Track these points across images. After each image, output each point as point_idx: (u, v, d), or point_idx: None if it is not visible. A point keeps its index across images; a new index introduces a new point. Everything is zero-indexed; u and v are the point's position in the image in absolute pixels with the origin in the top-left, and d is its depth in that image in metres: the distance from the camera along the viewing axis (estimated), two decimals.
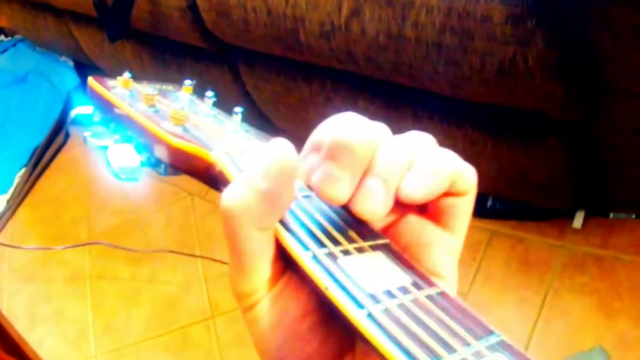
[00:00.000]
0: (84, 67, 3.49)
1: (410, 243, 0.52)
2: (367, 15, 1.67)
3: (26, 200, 3.31)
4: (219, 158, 0.57)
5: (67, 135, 3.40)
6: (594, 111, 1.63)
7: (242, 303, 0.50)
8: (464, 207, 0.52)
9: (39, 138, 3.34)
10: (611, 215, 2.00)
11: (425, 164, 0.49)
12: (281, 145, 0.47)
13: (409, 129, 1.53)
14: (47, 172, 3.36)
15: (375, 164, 0.48)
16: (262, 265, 0.48)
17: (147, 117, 0.67)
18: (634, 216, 1.97)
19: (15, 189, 3.29)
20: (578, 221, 2.01)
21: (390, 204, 0.48)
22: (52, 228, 3.13)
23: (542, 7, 1.44)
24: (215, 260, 2.52)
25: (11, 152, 3.31)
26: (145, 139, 0.67)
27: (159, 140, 0.64)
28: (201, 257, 2.60)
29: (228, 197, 0.47)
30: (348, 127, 0.48)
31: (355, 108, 1.96)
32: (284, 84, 2.19)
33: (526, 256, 2.00)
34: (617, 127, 1.68)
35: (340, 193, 0.47)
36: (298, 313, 0.48)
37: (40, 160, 3.35)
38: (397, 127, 1.58)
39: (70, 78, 3.52)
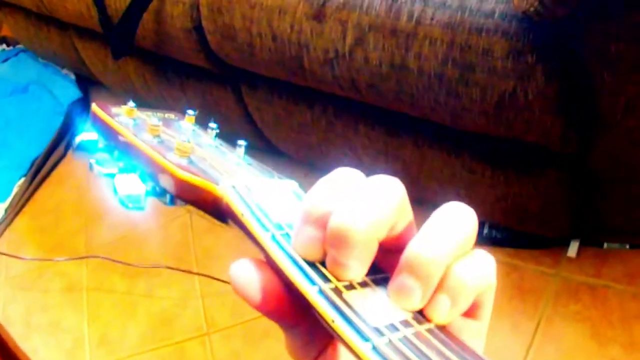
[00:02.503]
0: (86, 80, 3.49)
1: None
2: (371, 44, 1.69)
3: (24, 210, 3.31)
4: (226, 192, 0.58)
5: (67, 148, 3.40)
6: (590, 143, 1.64)
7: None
8: (489, 298, 0.52)
9: (39, 149, 3.34)
10: (605, 245, 2.01)
11: (459, 296, 0.49)
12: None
13: (408, 156, 1.55)
14: (46, 183, 3.35)
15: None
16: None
17: (152, 148, 0.67)
18: (627, 246, 1.99)
19: (13, 198, 3.29)
20: (573, 250, 2.02)
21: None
22: (49, 238, 3.12)
23: (542, 42, 1.46)
24: (213, 278, 2.52)
25: (10, 161, 3.31)
26: (150, 169, 0.67)
27: (165, 172, 0.64)
28: (198, 274, 2.60)
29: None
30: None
31: (356, 134, 1.99)
32: (286, 107, 2.20)
33: (521, 283, 2.01)
34: (612, 159, 1.70)
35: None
36: None
37: (40, 170, 3.34)
38: (397, 154, 1.60)
39: (71, 91, 3.51)
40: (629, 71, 1.46)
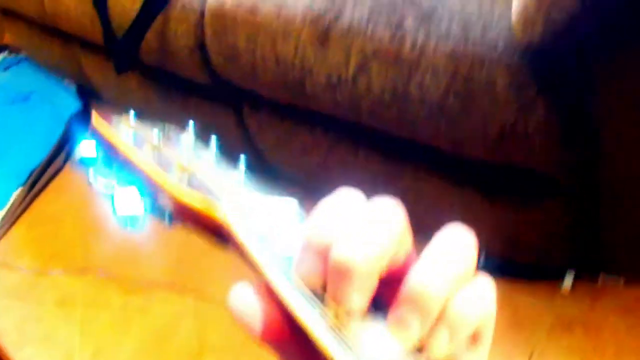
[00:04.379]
0: (87, 92, 3.49)
1: None
2: (374, 71, 1.70)
3: (21, 220, 3.29)
4: (227, 218, 0.57)
5: (66, 159, 3.39)
6: (591, 174, 1.65)
7: None
8: (489, 325, 0.51)
9: (38, 159, 3.33)
10: (600, 279, 2.01)
11: (459, 328, 0.48)
12: None
13: (407, 183, 1.55)
14: (44, 194, 3.33)
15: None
16: None
17: (152, 165, 0.67)
18: (622, 281, 1.99)
19: (10, 207, 3.28)
20: (567, 283, 2.03)
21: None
22: (46, 249, 3.11)
23: (544, 74, 1.47)
24: (208, 298, 2.52)
25: (8, 170, 3.29)
26: (149, 186, 0.67)
27: (164, 192, 0.64)
28: (194, 292, 2.59)
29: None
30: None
31: (355, 158, 1.99)
32: (287, 129, 2.20)
33: (514, 315, 2.01)
34: (613, 190, 1.70)
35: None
36: None
37: (38, 181, 3.33)
38: (396, 180, 1.60)
39: (72, 102, 3.50)
40: (631, 103, 1.46)
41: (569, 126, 1.53)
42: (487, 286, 0.49)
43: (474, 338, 0.51)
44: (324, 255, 0.48)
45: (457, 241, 0.49)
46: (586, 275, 2.04)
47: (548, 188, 1.72)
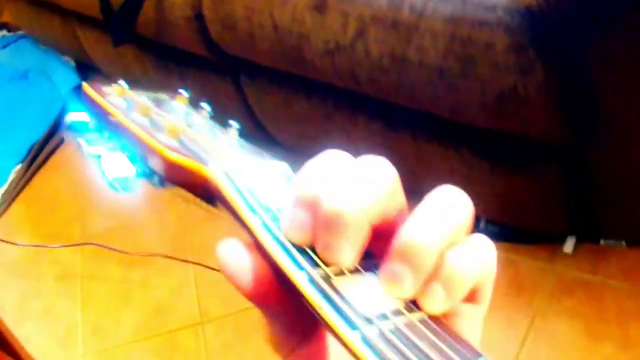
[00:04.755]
0: (86, 68, 3.49)
1: None
2: (372, 36, 1.69)
3: (20, 197, 3.30)
4: (215, 174, 0.57)
5: (65, 135, 3.39)
6: (589, 139, 1.65)
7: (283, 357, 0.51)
8: (488, 283, 0.51)
9: (37, 136, 3.33)
10: (602, 242, 2.02)
11: (455, 286, 0.47)
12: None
13: (406, 149, 1.55)
14: (43, 170, 3.34)
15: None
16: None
17: (142, 129, 0.67)
18: (624, 243, 1.99)
19: (10, 184, 3.29)
20: (569, 246, 2.03)
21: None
22: (45, 226, 3.12)
23: (544, 38, 1.46)
24: (208, 267, 2.52)
25: (8, 147, 3.30)
26: (140, 150, 0.67)
27: (154, 153, 0.64)
28: (194, 263, 2.60)
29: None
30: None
31: (354, 126, 1.99)
32: (285, 97, 2.20)
33: (516, 278, 2.01)
34: (611, 155, 1.70)
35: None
36: None
37: (37, 157, 3.34)
38: (395, 147, 1.60)
39: (71, 78, 3.51)
40: (629, 66, 1.46)
41: (568, 89, 1.53)
42: (484, 243, 0.49)
43: (472, 295, 0.51)
44: (313, 207, 0.48)
45: (450, 198, 0.49)
46: (587, 239, 2.04)
47: (547, 153, 1.73)
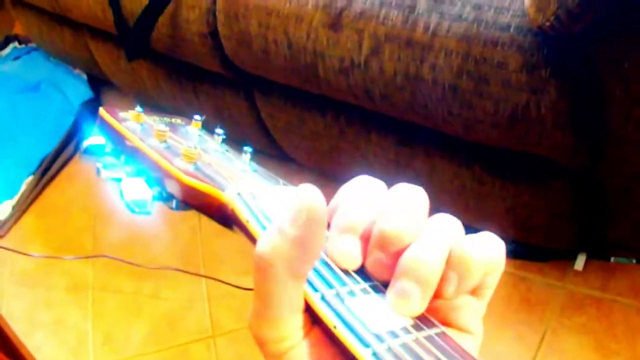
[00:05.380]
0: (98, 81, 3.50)
1: (441, 306, 0.54)
2: (387, 54, 1.70)
3: (32, 208, 3.31)
4: (232, 199, 0.59)
5: (76, 148, 3.41)
6: (600, 157, 1.66)
7: (266, 349, 0.51)
8: (494, 279, 0.55)
9: (49, 148, 3.34)
10: (612, 259, 2.02)
11: (466, 273, 0.51)
12: (309, 191, 0.49)
13: (419, 167, 1.57)
14: (55, 182, 3.35)
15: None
16: (294, 315, 0.50)
17: (159, 154, 0.69)
18: (634, 261, 2.00)
19: (21, 195, 3.30)
20: (579, 263, 2.04)
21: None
22: (56, 237, 3.13)
23: (557, 57, 1.48)
24: (220, 281, 2.53)
25: (19, 159, 3.31)
26: (157, 174, 0.69)
27: (171, 177, 0.66)
28: (205, 276, 2.61)
29: (261, 246, 0.48)
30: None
31: (367, 142, 2.00)
32: (298, 114, 2.21)
33: (527, 295, 2.02)
34: (621, 172, 1.71)
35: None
36: None
37: (49, 169, 3.35)
38: (408, 164, 1.61)
39: (83, 91, 3.52)
40: None
41: (580, 108, 1.54)
42: (493, 237, 0.54)
43: (477, 290, 0.55)
44: (364, 234, 0.52)
45: (447, 221, 0.53)
46: (598, 256, 2.05)
47: (559, 170, 1.73)
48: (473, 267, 0.51)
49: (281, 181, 0.67)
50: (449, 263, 0.50)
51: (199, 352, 2.49)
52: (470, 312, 0.55)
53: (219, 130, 0.78)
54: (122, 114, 0.79)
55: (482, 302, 0.56)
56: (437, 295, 0.51)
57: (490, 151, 1.79)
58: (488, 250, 0.53)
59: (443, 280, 0.50)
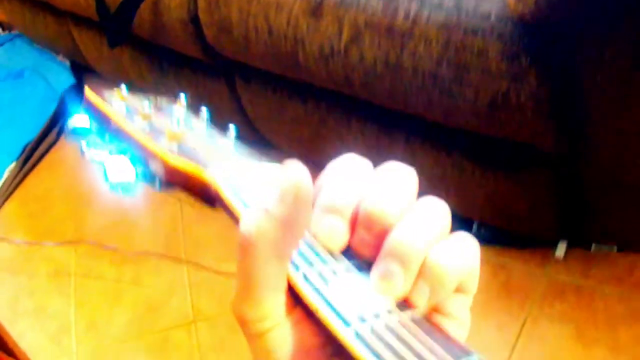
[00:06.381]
0: (80, 68, 3.49)
1: None
2: (367, 42, 1.70)
3: (14, 195, 3.30)
4: (214, 178, 0.59)
5: (59, 134, 3.39)
6: (579, 145, 1.66)
7: (248, 329, 0.50)
8: (474, 276, 0.53)
9: (31, 135, 3.33)
10: (593, 247, 2.03)
11: (439, 285, 0.50)
12: (295, 169, 0.48)
13: (400, 154, 1.57)
14: (37, 169, 3.34)
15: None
16: (277, 294, 0.49)
17: (143, 133, 0.69)
18: (615, 249, 2.00)
19: (3, 182, 3.29)
20: (560, 251, 2.04)
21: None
22: (38, 224, 3.12)
23: (537, 45, 1.48)
24: (201, 266, 2.53)
25: (2, 146, 3.29)
26: (141, 153, 0.68)
27: (155, 157, 0.66)
28: (187, 262, 2.61)
29: (246, 225, 0.48)
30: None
31: (348, 129, 2.00)
32: (279, 101, 2.21)
33: (508, 282, 2.02)
34: (602, 160, 1.72)
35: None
36: (318, 342, 0.49)
37: (31, 156, 3.33)
38: (389, 151, 1.61)
39: (66, 77, 3.50)
40: (621, 74, 1.47)
41: (560, 96, 1.54)
42: (465, 240, 0.51)
43: (459, 287, 0.52)
44: (347, 214, 0.51)
45: (433, 205, 0.51)
46: (579, 243, 2.05)
47: (539, 158, 1.74)
48: (446, 280, 0.49)
49: (264, 159, 0.67)
50: (421, 272, 0.49)
51: (180, 337, 2.48)
52: (455, 302, 0.54)
53: (203, 110, 0.78)
54: (107, 93, 0.78)
55: (467, 294, 0.55)
56: (408, 304, 0.50)
57: (470, 139, 1.79)
58: (463, 260, 0.51)
59: (414, 290, 0.50)
